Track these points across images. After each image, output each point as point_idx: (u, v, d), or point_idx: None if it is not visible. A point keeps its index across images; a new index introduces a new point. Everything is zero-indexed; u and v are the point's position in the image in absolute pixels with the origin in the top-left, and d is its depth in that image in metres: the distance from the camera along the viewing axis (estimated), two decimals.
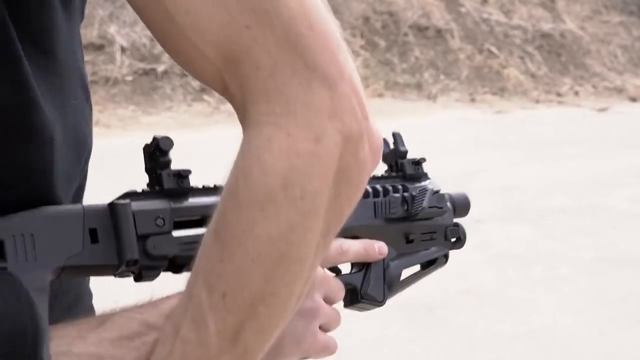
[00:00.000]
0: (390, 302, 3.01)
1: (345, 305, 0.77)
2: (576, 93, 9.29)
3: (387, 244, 0.76)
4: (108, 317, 0.58)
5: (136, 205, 0.61)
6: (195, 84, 8.02)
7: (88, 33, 7.72)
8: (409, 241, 0.78)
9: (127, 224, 0.60)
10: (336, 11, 9.34)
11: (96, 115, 7.09)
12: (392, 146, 0.80)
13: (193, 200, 0.64)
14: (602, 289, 3.42)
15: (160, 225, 0.62)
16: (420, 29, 9.66)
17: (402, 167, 0.80)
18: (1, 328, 0.51)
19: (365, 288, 0.75)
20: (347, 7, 9.45)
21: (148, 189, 0.63)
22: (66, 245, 0.58)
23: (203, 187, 0.66)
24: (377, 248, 0.73)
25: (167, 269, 0.63)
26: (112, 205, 0.60)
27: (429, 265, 0.81)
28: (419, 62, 9.17)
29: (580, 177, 5.42)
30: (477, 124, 7.35)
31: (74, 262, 0.58)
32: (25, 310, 0.52)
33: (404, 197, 0.77)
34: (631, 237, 4.10)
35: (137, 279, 0.62)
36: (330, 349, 0.70)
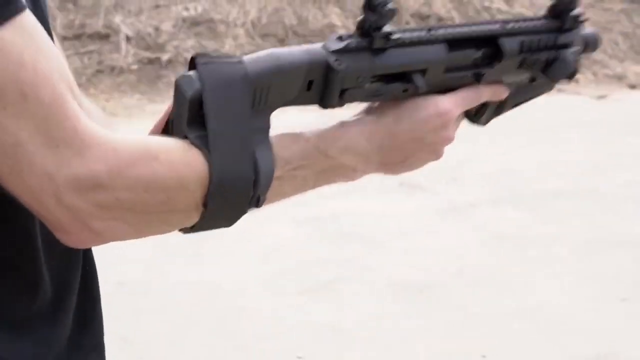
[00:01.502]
0: (386, 281, 3.17)
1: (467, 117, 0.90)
2: (576, 81, 9.37)
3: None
4: (298, 140, 0.72)
5: (347, 63, 0.73)
6: None
7: (94, 22, 7.82)
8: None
9: (337, 84, 0.73)
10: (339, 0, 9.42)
11: (102, 104, 7.22)
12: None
13: (392, 54, 0.75)
14: (594, 269, 3.54)
15: (360, 82, 0.74)
16: (422, 17, 9.73)
17: (560, 13, 0.85)
18: (233, 179, 0.67)
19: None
20: None
21: (358, 40, 0.73)
22: (288, 92, 0.71)
23: (403, 41, 0.76)
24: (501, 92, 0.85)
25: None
26: (330, 69, 0.72)
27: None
28: None
29: (576, 162, 5.53)
30: None
31: (287, 104, 0.72)
32: (247, 159, 0.67)
33: (547, 60, 0.85)
34: (622, 220, 4.21)
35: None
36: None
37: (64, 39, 7.80)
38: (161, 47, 8.10)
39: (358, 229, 3.92)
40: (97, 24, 7.94)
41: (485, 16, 9.98)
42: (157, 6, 8.76)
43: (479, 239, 3.87)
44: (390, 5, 0.73)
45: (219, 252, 3.68)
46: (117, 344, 2.74)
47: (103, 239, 0.69)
